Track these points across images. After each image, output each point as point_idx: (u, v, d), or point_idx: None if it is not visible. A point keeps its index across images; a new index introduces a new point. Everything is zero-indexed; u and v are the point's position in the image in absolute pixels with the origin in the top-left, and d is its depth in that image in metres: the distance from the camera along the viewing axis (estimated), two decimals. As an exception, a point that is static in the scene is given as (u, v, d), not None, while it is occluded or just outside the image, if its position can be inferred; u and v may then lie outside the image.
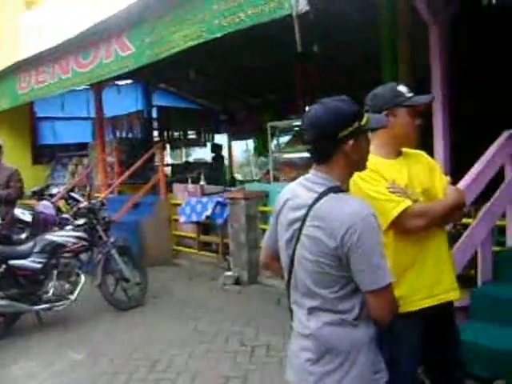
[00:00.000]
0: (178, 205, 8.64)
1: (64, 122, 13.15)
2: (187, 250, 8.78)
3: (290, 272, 2.06)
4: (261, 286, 7.10)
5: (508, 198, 4.79)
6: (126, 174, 9.45)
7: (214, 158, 13.31)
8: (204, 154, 19.93)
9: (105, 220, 6.41)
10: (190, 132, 13.68)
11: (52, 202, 8.19)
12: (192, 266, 8.44)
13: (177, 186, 9.30)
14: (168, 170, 12.77)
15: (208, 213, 7.72)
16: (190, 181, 9.17)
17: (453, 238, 4.55)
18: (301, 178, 2.12)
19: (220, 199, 7.75)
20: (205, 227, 8.52)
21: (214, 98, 14.80)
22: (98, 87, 10.15)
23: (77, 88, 9.69)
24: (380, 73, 6.18)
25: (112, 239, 6.38)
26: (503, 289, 4.43)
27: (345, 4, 6.63)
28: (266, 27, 5.79)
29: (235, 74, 12.21)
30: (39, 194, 8.58)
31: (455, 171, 4.70)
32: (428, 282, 2.55)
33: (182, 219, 8.35)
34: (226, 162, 15.91)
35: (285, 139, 8.81)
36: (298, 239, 1.99)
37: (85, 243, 6.14)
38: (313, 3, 5.09)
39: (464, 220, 4.70)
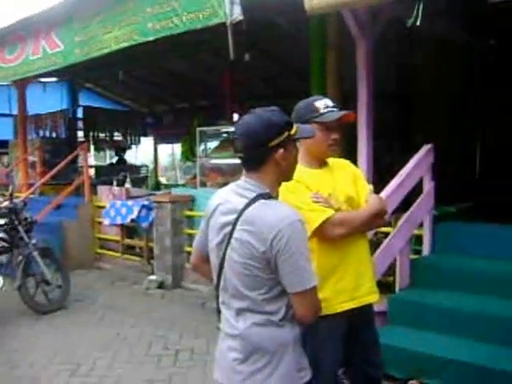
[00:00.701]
0: (103, 207, 8.50)
1: (-17, 119, 12.65)
2: (111, 253, 8.65)
3: (220, 274, 2.11)
4: (185, 290, 7.11)
5: (426, 209, 5.06)
6: (49, 174, 9.19)
7: (117, 162, 13.07)
8: (129, 156, 19.66)
9: (27, 221, 6.24)
10: (116, 134, 13.44)
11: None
12: (115, 270, 8.33)
13: (101, 189, 9.14)
14: (93, 171, 12.54)
15: (133, 216, 7.65)
16: (115, 183, 9.04)
17: (374, 246, 4.77)
18: (232, 184, 2.18)
19: (146, 202, 7.71)
20: (129, 230, 8.42)
21: (142, 100, 14.68)
22: (21, 84, 9.85)
23: (-2, 83, 9.39)
24: (308, 83, 6.37)
25: (34, 241, 6.22)
26: (419, 295, 4.68)
27: (276, 15, 6.77)
28: (198, 33, 5.85)
29: (164, 77, 12.19)
30: (-45, 193, 8.23)
31: (378, 181, 4.91)
32: (350, 285, 2.68)
33: (106, 222, 8.23)
34: (151, 165, 15.79)
35: (212, 145, 8.87)
36: (228, 243, 2.05)
37: (5, 244, 5.98)
38: (246, 13, 5.23)
39: (385, 229, 4.93)
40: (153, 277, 7.32)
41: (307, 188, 2.64)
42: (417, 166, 4.89)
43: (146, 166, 13.65)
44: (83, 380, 4.44)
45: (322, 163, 2.78)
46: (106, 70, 10.44)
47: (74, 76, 11.68)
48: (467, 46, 7.88)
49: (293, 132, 2.10)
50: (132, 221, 7.78)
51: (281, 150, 2.04)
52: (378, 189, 4.61)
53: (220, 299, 2.16)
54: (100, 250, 8.88)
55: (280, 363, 2.00)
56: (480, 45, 7.80)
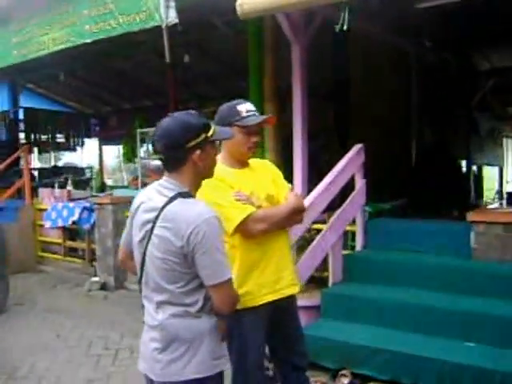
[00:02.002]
0: (44, 210, 8.44)
1: None
2: (53, 256, 8.59)
3: (142, 269, 2.22)
4: (127, 291, 7.12)
5: (357, 205, 5.28)
6: (-11, 177, 9.06)
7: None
8: (74, 158, 19.39)
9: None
10: (58, 136, 13.26)
11: None
12: (57, 273, 8.27)
13: (43, 191, 9.07)
14: (36, 174, 12.36)
15: (74, 218, 7.64)
16: (56, 186, 8.98)
17: (307, 242, 4.95)
18: (155, 183, 2.29)
19: (87, 204, 7.70)
20: (71, 233, 8.38)
21: (86, 101, 14.51)
22: (-42, 85, 9.64)
23: None
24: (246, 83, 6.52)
25: (-30, 244, 6.14)
26: (351, 288, 4.88)
27: (213, 16, 6.86)
28: (140, 34, 5.88)
29: (107, 78, 12.09)
30: None
31: (317, 179, 5.09)
32: (271, 278, 2.82)
33: (47, 224, 8.17)
34: (96, 167, 15.65)
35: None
36: (149, 239, 2.16)
37: None
38: (183, 14, 5.33)
39: (318, 225, 5.12)
40: (95, 278, 7.33)
41: (230, 187, 2.76)
42: (348, 164, 5.09)
43: (91, 168, 13.51)
44: (21, 382, 4.44)
45: (243, 164, 2.91)
46: (47, 71, 10.31)
47: (14, 77, 11.47)
48: (404, 48, 8.20)
49: (210, 134, 2.22)
50: (73, 223, 7.76)
51: (198, 151, 2.16)
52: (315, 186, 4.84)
53: (143, 293, 2.26)
54: (42, 253, 8.81)
55: (197, 352, 2.12)
56: (416, 47, 8.11)
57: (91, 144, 15.39)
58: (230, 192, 2.75)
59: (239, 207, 2.70)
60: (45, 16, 6.26)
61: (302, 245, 4.92)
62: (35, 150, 13.72)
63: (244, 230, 2.71)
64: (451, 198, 7.90)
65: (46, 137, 12.81)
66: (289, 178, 5.68)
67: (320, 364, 4.30)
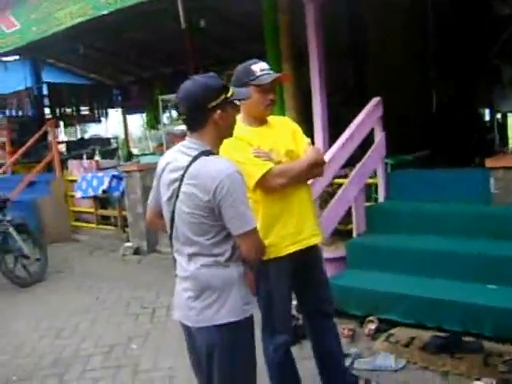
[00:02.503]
0: (74, 181, 8.71)
1: None
2: (86, 225, 8.90)
3: (172, 226, 2.39)
4: (159, 254, 7.39)
5: (378, 158, 5.37)
6: (18, 153, 9.33)
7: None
8: (100, 130, 19.66)
9: (0, 199, 6.43)
10: (83, 108, 13.48)
11: None
12: (92, 240, 8.59)
13: (72, 163, 9.33)
14: (63, 147, 12.65)
15: (104, 187, 7.88)
16: (85, 157, 9.22)
17: (330, 196, 5.09)
18: (179, 145, 2.44)
19: (115, 173, 7.93)
20: (102, 201, 8.65)
21: (107, 72, 14.63)
22: (-18, 65, 9.88)
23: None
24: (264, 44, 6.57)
25: (8, 217, 6.43)
26: (374, 239, 5.02)
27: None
28: (157, 1, 5.95)
29: (126, 47, 12.16)
30: None
31: (337, 135, 5.19)
32: (293, 230, 2.96)
33: (78, 195, 8.45)
34: (122, 137, 15.89)
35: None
36: (177, 196, 2.32)
37: (-21, 223, 6.16)
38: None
39: (339, 180, 5.25)
40: (128, 244, 7.59)
41: (249, 144, 2.89)
42: (366, 118, 5.17)
43: (116, 138, 13.74)
44: (66, 342, 4.74)
45: (262, 121, 3.03)
46: (66, 45, 10.43)
47: (35, 53, 11.64)
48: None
49: (229, 94, 2.35)
50: (104, 192, 8.00)
51: (218, 111, 2.29)
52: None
53: (174, 248, 2.44)
54: (75, 223, 9.13)
55: (228, 298, 2.29)
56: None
57: (115, 115, 15.58)
58: (249, 149, 2.87)
59: (258, 163, 2.83)
60: (61, -10, 6.36)
61: (325, 199, 5.06)
62: (61, 123, 14.00)
63: (264, 185, 2.85)
64: (473, 147, 7.91)
65: (70, 110, 13.03)
66: (309, 134, 5.84)
67: (348, 312, 4.49)
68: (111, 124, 18.28)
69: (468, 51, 9.11)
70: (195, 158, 2.28)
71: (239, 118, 3.06)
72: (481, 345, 3.75)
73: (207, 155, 2.29)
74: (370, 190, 5.76)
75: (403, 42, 7.92)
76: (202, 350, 2.36)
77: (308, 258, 3.08)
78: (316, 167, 3.06)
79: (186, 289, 2.36)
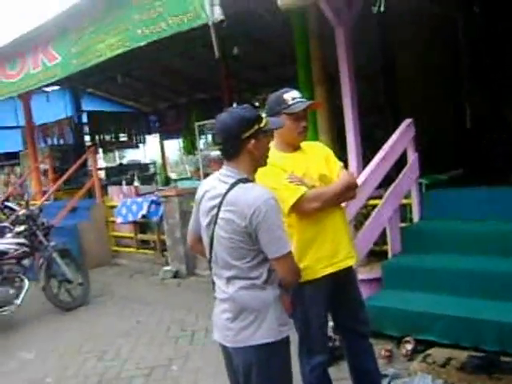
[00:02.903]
0: (114, 207, 8.94)
1: (-8, 132, 13.13)
2: (126, 249, 9.10)
3: (211, 250, 2.51)
4: (198, 277, 7.50)
5: (411, 179, 5.41)
6: (61, 180, 9.65)
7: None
8: (137, 155, 20.05)
9: (44, 225, 6.68)
10: (121, 135, 13.84)
11: (-13, 213, 8.33)
12: (132, 264, 8.78)
13: (112, 189, 9.59)
14: (103, 173, 13.00)
15: (143, 212, 8.08)
16: (124, 183, 9.46)
17: (364, 218, 5.14)
18: (216, 173, 2.57)
19: (154, 198, 8.12)
20: (141, 226, 8.85)
21: (144, 99, 15.03)
22: (26, 96, 10.25)
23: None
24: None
25: (52, 243, 6.66)
26: (409, 259, 5.05)
27: (259, 7, 7.04)
28: (191, 29, 6.13)
29: (163, 74, 12.51)
30: (-27, 207, 8.68)
31: (372, 156, 5.26)
32: (327, 253, 3.05)
33: (118, 220, 8.67)
34: (159, 162, 16.20)
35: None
36: (215, 222, 2.44)
37: (26, 249, 6.39)
38: (229, 8, 5.56)
39: (374, 201, 5.30)
40: (167, 267, 7.74)
41: (282, 170, 3.00)
42: (399, 139, 5.23)
43: (154, 163, 14.04)
44: (109, 364, 4.88)
45: (295, 147, 3.14)
46: (105, 75, 10.80)
47: (75, 83, 12.04)
48: (450, 17, 8.12)
49: (262, 125, 2.47)
50: (143, 216, 8.20)
51: (252, 141, 2.42)
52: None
53: (213, 271, 2.55)
54: (116, 248, 9.35)
55: (264, 320, 2.39)
56: (463, 14, 8.03)
57: (152, 140, 15.92)
58: (283, 175, 2.98)
59: (292, 189, 2.94)
60: (100, 24, 6.60)
61: (360, 220, 5.12)
62: (100, 150, 14.39)
63: (298, 209, 2.95)
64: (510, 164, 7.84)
65: (109, 137, 13.40)
66: (343, 156, 5.93)
67: (384, 332, 4.52)
68: (149, 149, 18.66)
69: (502, 66, 9.08)
70: (232, 186, 2.40)
71: (273, 144, 3.19)
72: (519, 365, 3.74)
73: (244, 183, 2.41)
74: (405, 211, 5.79)
75: (435, 59, 7.95)
76: (240, 370, 2.46)
77: (343, 279, 3.15)
78: (349, 190, 3.14)
79: (225, 310, 2.47)
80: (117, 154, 21.25)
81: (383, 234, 5.17)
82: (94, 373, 4.72)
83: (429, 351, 4.17)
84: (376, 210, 5.01)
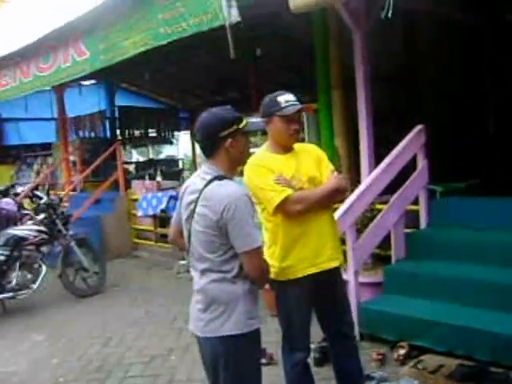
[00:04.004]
0: (137, 200, 9.16)
1: (28, 123, 13.53)
2: (146, 242, 9.31)
3: (189, 243, 2.61)
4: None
5: (420, 185, 5.42)
6: (87, 171, 9.93)
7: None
8: (174, 151, 20.40)
9: (64, 215, 6.91)
10: (150, 130, 14.08)
11: (14, 200, 8.60)
12: (151, 257, 8.99)
13: (135, 183, 9.81)
14: (133, 167, 13.29)
15: (162, 206, 8.26)
16: (147, 177, 9.67)
17: (370, 221, 5.17)
18: (199, 170, 2.69)
19: (173, 193, 8.29)
20: (161, 220, 9.03)
21: (176, 96, 15.23)
22: (59, 89, 10.58)
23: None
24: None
25: (71, 232, 6.89)
26: (412, 265, 5.06)
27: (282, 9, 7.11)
28: (223, 28, 6.21)
29: (195, 72, 12.67)
30: (4, 193, 8.97)
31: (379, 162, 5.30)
32: (311, 253, 3.12)
33: (139, 213, 8.89)
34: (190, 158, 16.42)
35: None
36: (193, 216, 2.55)
37: (45, 236, 6.64)
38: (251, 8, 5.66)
39: (380, 205, 5.33)
40: (183, 261, 7.87)
41: (271, 171, 3.09)
42: (408, 145, 5.25)
43: (183, 159, 14.25)
44: (112, 350, 5.07)
45: (286, 149, 3.22)
46: (136, 70, 10.99)
47: (110, 77, 12.29)
48: (477, 22, 8.00)
49: (242, 125, 2.57)
50: (162, 211, 8.37)
51: (230, 140, 2.52)
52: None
53: (191, 264, 2.67)
54: (137, 240, 9.57)
55: (233, 312, 2.48)
56: (491, 21, 7.92)
57: (182, 137, 16.14)
58: (270, 176, 3.07)
59: (277, 190, 3.02)
60: (125, 22, 6.77)
61: (366, 224, 5.15)
62: (131, 144, 14.67)
63: (283, 210, 3.04)
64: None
65: (138, 132, 13.63)
66: (357, 161, 5.97)
67: (380, 336, 4.58)
68: (183, 146, 18.92)
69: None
70: (209, 182, 2.51)
71: (265, 145, 3.29)
72: (508, 376, 3.74)
73: (220, 179, 2.51)
74: (417, 217, 5.78)
75: (458, 67, 7.90)
76: (208, 361, 2.57)
77: (327, 280, 3.21)
78: (337, 194, 3.21)
79: (198, 301, 2.59)
80: (151, 149, 21.64)
81: (388, 239, 5.19)
82: (97, 357, 4.91)
83: (422, 357, 4.20)
84: (381, 214, 5.04)
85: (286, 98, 3.15)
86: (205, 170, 2.60)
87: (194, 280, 2.63)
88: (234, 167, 2.64)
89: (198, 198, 2.51)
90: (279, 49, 9.89)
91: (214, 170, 2.55)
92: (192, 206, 2.55)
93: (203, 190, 2.50)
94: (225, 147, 2.53)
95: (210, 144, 2.55)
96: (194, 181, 2.64)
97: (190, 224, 2.58)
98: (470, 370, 3.85)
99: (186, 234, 2.64)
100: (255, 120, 2.84)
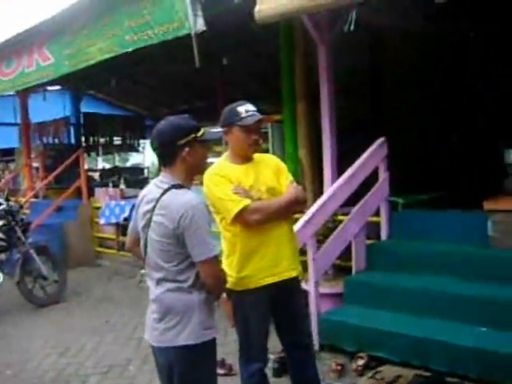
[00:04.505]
0: (100, 208, 9.05)
1: (-10, 128, 13.27)
2: (109, 250, 9.19)
3: (146, 252, 2.59)
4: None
5: (381, 197, 5.48)
6: (49, 178, 9.79)
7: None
8: (141, 159, 20.19)
9: (23, 222, 6.78)
10: (116, 138, 13.93)
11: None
12: (113, 266, 8.86)
13: (98, 190, 9.69)
14: (98, 175, 13.12)
15: (125, 215, 8.18)
16: (111, 185, 9.57)
17: (331, 232, 5.21)
18: (155, 179, 2.67)
19: (137, 202, 8.19)
20: (124, 228, 8.91)
21: (143, 104, 15.15)
22: (23, 94, 10.42)
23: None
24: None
25: (30, 240, 6.76)
26: (372, 276, 5.12)
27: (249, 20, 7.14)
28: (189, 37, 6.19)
29: (162, 80, 12.62)
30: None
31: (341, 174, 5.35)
32: (269, 263, 3.13)
33: (101, 221, 8.78)
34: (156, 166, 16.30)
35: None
36: (149, 225, 2.53)
37: (3, 243, 6.51)
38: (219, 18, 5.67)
39: (342, 217, 5.37)
40: (144, 270, 7.74)
41: (229, 181, 3.09)
42: (370, 158, 5.32)
43: (148, 168, 14.15)
44: (70, 360, 4.98)
45: (246, 159, 3.22)
46: (102, 77, 10.89)
47: (77, 84, 12.12)
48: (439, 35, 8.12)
49: (199, 134, 2.56)
50: (125, 219, 8.29)
51: (187, 149, 2.51)
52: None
53: (147, 273, 2.65)
54: (99, 248, 9.43)
55: (188, 322, 2.47)
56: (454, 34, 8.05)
57: (147, 144, 16.00)
58: (229, 186, 3.07)
59: (236, 200, 3.02)
60: (92, 28, 6.72)
61: (327, 235, 5.18)
62: (98, 152, 14.46)
63: (241, 220, 3.04)
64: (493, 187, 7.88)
65: (103, 139, 13.48)
66: (321, 173, 6.01)
67: (339, 347, 4.60)
68: (150, 154, 18.72)
69: (496, 88, 9.11)
70: (166, 191, 2.49)
71: (225, 155, 3.29)
72: (463, 387, 3.80)
73: (177, 188, 2.50)
74: (379, 229, 5.84)
75: (423, 78, 8.01)
76: (163, 370, 2.55)
77: (285, 290, 3.22)
78: (295, 205, 3.22)
79: (153, 311, 2.57)
80: (117, 156, 21.39)
81: (349, 250, 5.23)
82: (54, 368, 4.82)
83: (380, 368, 4.23)
84: (342, 225, 5.09)
85: (246, 108, 3.16)
86: (161, 179, 2.58)
87: (150, 289, 2.62)
88: (191, 176, 2.63)
89: (155, 206, 2.50)
90: (246, 59, 9.95)
91: (170, 179, 2.54)
92: (148, 215, 2.53)
93: (160, 198, 2.49)
94: (182, 156, 2.52)
95: (167, 152, 2.54)
96: (150, 189, 2.62)
97: (146, 233, 2.56)
98: (426, 381, 3.90)
99: (142, 242, 2.63)
100: (213, 129, 2.84)
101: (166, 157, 2.55)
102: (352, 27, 4.46)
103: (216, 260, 2.48)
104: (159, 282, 2.53)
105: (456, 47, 8.54)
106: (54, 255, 7.16)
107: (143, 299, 6.71)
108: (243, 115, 3.12)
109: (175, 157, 2.52)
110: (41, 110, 12.09)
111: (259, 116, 3.18)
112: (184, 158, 2.51)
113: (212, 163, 3.25)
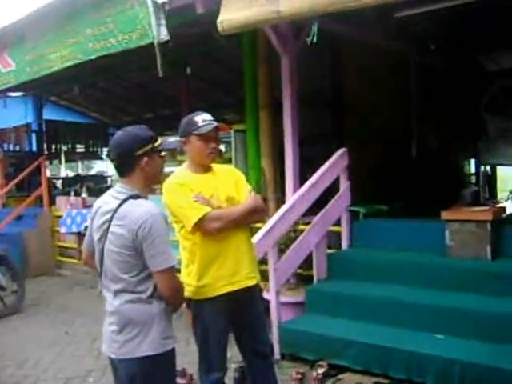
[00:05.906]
0: (61, 217, 8.92)
1: None
2: (70, 260, 9.05)
3: (102, 264, 2.57)
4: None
5: (342, 206, 5.55)
6: (9, 186, 9.61)
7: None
8: (105, 167, 19.96)
9: (-20, 231, 6.65)
10: (78, 146, 13.78)
11: None
12: (74, 276, 8.73)
13: (60, 199, 9.56)
14: (60, 183, 12.94)
15: (87, 223, 8.03)
16: (72, 193, 9.45)
17: (292, 241, 5.25)
18: (111, 190, 2.66)
19: (99, 210, 8.12)
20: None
21: (107, 111, 15.00)
22: (-18, 100, 10.22)
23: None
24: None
25: (-13, 249, 6.62)
26: (333, 285, 5.17)
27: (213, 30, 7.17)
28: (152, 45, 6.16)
29: (126, 88, 12.54)
30: None
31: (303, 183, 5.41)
32: (228, 272, 3.14)
33: (62, 230, 8.66)
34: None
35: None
36: (106, 236, 2.51)
37: (-41, 253, 6.35)
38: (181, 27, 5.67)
39: (304, 226, 5.42)
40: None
41: (190, 190, 3.10)
42: (331, 168, 5.38)
43: (111, 176, 14.03)
44: (28, 372, 4.88)
45: (205, 169, 3.24)
46: (65, 85, 10.76)
47: (39, 90, 11.95)
48: (403, 52, 8.30)
49: (157, 144, 2.57)
50: (86, 228, 8.16)
51: (145, 159, 2.51)
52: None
53: (103, 285, 2.63)
54: (60, 258, 9.29)
55: (149, 333, 2.46)
56: (417, 51, 8.23)
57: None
58: (190, 194, 3.08)
59: (196, 208, 3.04)
60: (55, 34, 6.64)
61: (288, 244, 5.21)
62: (61, 159, 14.27)
63: (200, 228, 3.05)
64: (451, 198, 8.06)
65: (66, 147, 13.31)
66: (283, 182, 6.05)
67: (300, 356, 4.63)
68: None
69: (453, 105, 9.37)
70: (123, 201, 2.49)
71: (184, 165, 3.30)
72: (420, 393, 3.86)
73: (135, 199, 2.50)
74: (340, 238, 5.90)
75: (384, 94, 8.18)
76: (124, 382, 2.52)
77: (244, 299, 3.23)
78: (254, 214, 3.25)
79: (111, 323, 2.55)
80: (81, 164, 21.13)
81: (310, 259, 5.28)
82: (11, 381, 4.72)
83: (340, 376, 4.28)
84: (303, 234, 5.13)
85: (202, 118, 3.20)
86: (118, 189, 2.57)
87: (107, 301, 2.59)
88: (148, 186, 2.63)
89: (112, 217, 2.48)
90: (210, 68, 9.97)
91: (128, 189, 2.53)
92: (105, 226, 2.52)
93: (117, 209, 2.48)
94: (140, 166, 2.52)
95: (125, 163, 2.54)
96: (106, 200, 2.61)
97: (102, 244, 2.54)
98: (384, 388, 3.95)
99: (97, 255, 2.61)
100: (171, 139, 2.85)
101: (124, 167, 2.54)
102: (315, 39, 4.51)
103: (173, 271, 2.48)
104: (117, 293, 2.52)
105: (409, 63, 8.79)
106: (14, 265, 7.02)
107: (103, 309, 6.71)
108: (200, 124, 3.16)
109: (133, 167, 2.52)
110: (1, 117, 11.86)
111: (215, 124, 3.20)
112: (142, 167, 2.51)
113: (172, 172, 3.27)
